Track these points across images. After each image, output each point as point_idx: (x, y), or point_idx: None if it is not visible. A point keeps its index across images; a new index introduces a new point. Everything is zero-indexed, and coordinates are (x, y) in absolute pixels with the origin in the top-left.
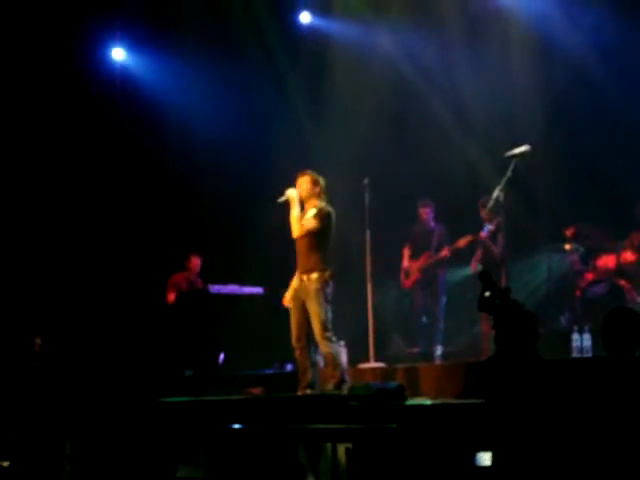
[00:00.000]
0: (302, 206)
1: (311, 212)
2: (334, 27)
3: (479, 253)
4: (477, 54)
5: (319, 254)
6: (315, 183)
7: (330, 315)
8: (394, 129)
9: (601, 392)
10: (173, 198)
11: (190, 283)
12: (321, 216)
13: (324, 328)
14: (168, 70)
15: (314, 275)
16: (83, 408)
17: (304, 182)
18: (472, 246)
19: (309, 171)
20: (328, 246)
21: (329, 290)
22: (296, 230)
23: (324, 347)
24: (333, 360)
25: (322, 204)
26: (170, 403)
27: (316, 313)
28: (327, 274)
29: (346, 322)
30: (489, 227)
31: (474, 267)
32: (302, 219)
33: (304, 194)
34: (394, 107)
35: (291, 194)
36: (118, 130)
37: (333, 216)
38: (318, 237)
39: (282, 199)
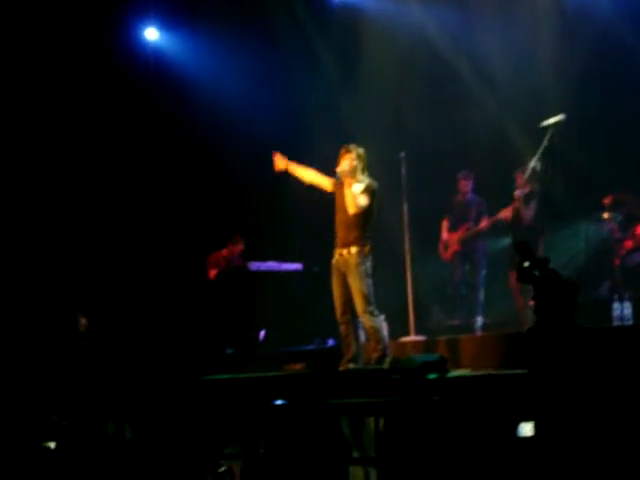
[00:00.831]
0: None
1: (357, 188)
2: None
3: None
4: (509, 22)
5: (361, 229)
6: (360, 158)
7: (372, 289)
8: (428, 100)
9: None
10: (210, 175)
11: (229, 262)
12: (370, 192)
13: (366, 302)
14: (200, 48)
15: (354, 249)
16: (127, 388)
17: (351, 157)
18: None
19: (353, 146)
20: (370, 221)
21: (368, 264)
22: (351, 208)
23: (367, 321)
24: (376, 334)
25: (368, 180)
26: (212, 381)
27: (358, 287)
28: (367, 248)
29: (386, 296)
30: (523, 190)
31: (485, 224)
32: (350, 194)
33: (348, 169)
34: (428, 79)
35: (344, 171)
36: (153, 109)
37: (377, 191)
38: (365, 213)
39: (338, 176)
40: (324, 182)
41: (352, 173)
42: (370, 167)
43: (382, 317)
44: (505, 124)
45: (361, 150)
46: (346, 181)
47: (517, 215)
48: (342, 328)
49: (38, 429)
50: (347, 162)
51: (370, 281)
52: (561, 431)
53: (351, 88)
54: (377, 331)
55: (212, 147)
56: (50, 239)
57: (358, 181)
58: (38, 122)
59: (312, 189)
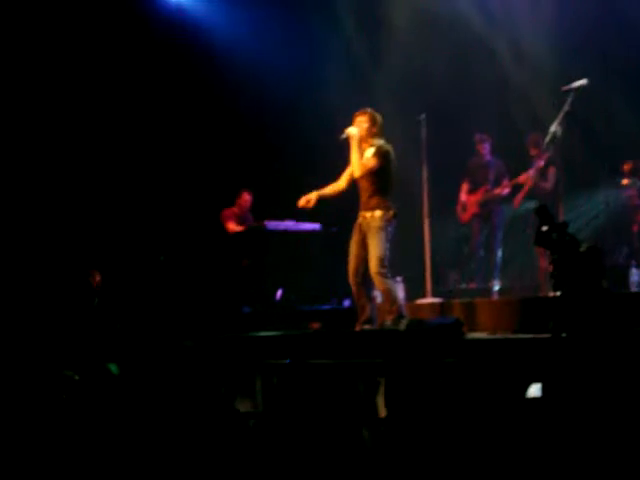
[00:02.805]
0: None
1: (370, 151)
2: None
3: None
4: None
5: (381, 193)
6: (373, 121)
7: (388, 253)
8: (451, 64)
9: None
10: (229, 133)
11: (240, 219)
12: (380, 154)
13: (380, 264)
14: (224, 6)
15: (377, 213)
16: (141, 344)
17: (363, 121)
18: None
19: (367, 109)
20: (390, 184)
21: (391, 229)
22: (357, 170)
23: (379, 283)
24: (389, 295)
25: (380, 142)
26: (228, 338)
27: (375, 249)
28: (391, 213)
29: (403, 258)
30: (537, 165)
31: (517, 203)
32: (361, 158)
33: (363, 133)
34: (451, 41)
35: (351, 132)
36: (170, 62)
37: (392, 153)
38: (379, 176)
39: (343, 136)
40: (348, 173)
41: (364, 136)
42: (392, 129)
43: (399, 279)
44: (528, 88)
45: (375, 114)
46: (355, 144)
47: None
48: (354, 289)
49: (51, 384)
50: (359, 125)
51: (389, 246)
52: (587, 394)
53: (372, 49)
54: (390, 292)
55: (230, 103)
56: (67, 194)
57: (371, 145)
58: (58, 75)
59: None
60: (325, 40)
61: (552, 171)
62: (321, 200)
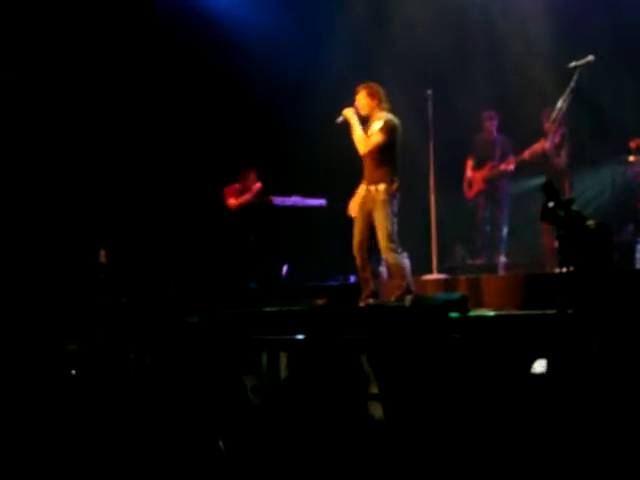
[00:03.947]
0: (366, 121)
1: (376, 125)
2: None
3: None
4: None
5: (387, 166)
6: (372, 95)
7: (396, 227)
8: (457, 39)
9: None
10: (240, 113)
11: (245, 194)
12: (387, 129)
13: (389, 239)
14: None
15: (382, 186)
16: (147, 319)
17: (361, 97)
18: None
19: (365, 84)
20: (395, 158)
21: (396, 202)
22: (362, 147)
23: (390, 258)
24: (400, 270)
25: (387, 116)
26: (234, 314)
27: (382, 224)
28: (394, 186)
29: (409, 233)
30: (553, 139)
31: (510, 163)
32: (368, 133)
33: (365, 110)
34: (457, 17)
35: (347, 113)
36: (178, 38)
37: (399, 127)
38: (385, 150)
39: (340, 120)
40: (360, 143)
41: (367, 111)
42: (398, 104)
43: (405, 254)
44: (534, 64)
45: (375, 86)
46: (353, 122)
47: (545, 158)
48: (358, 262)
49: (57, 358)
50: (360, 101)
51: (395, 219)
52: (592, 372)
53: (380, 24)
54: (401, 267)
55: (236, 80)
56: (74, 172)
57: (377, 119)
58: (71, 62)
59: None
60: (330, 17)
61: (566, 148)
62: (328, 175)
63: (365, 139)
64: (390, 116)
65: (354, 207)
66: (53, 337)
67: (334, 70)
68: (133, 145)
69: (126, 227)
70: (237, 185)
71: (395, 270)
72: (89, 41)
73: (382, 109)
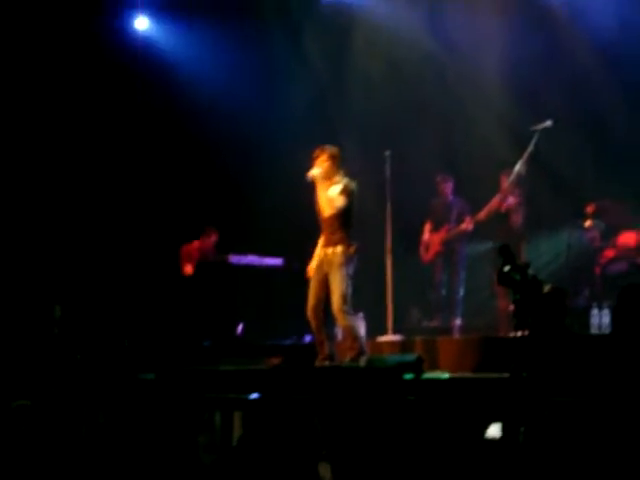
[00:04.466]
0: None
1: (335, 189)
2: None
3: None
4: (501, 27)
5: (344, 229)
6: (333, 158)
7: (350, 289)
8: (416, 101)
9: (616, 368)
10: (194, 168)
11: (202, 253)
12: (347, 192)
13: (343, 301)
14: (189, 39)
15: (339, 248)
16: (101, 375)
17: (322, 160)
18: (493, 219)
19: (327, 147)
20: (352, 219)
21: (352, 265)
22: (327, 210)
23: (342, 320)
24: (352, 332)
25: (345, 180)
26: (189, 371)
27: (337, 286)
28: (352, 249)
29: (365, 295)
30: (509, 201)
31: (468, 223)
32: (327, 196)
33: (323, 172)
34: (416, 79)
35: (315, 174)
36: (138, 97)
37: (356, 190)
38: (344, 213)
39: (309, 179)
40: (326, 206)
41: (327, 174)
42: (356, 165)
43: (360, 315)
44: (492, 127)
45: (334, 149)
46: (319, 183)
47: (501, 220)
48: (313, 324)
49: (7, 414)
50: (320, 164)
51: (350, 282)
52: (549, 434)
53: (339, 86)
54: (353, 329)
55: (195, 138)
56: (27, 228)
57: (335, 182)
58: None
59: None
60: (288, 77)
61: (523, 211)
62: (285, 235)
63: (330, 202)
64: (348, 179)
65: (312, 268)
66: (5, 392)
67: (291, 129)
68: (89, 201)
69: (82, 283)
70: (196, 243)
71: (347, 332)
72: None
73: (340, 173)
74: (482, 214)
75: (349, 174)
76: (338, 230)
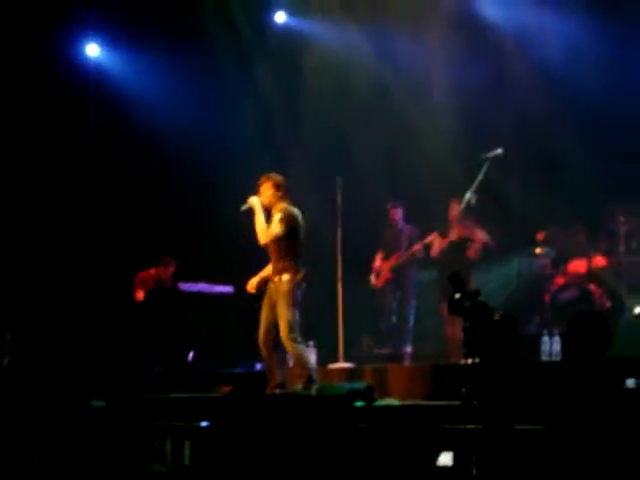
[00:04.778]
0: (269, 211)
1: (277, 216)
2: (309, 27)
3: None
4: (451, 53)
5: (289, 257)
6: (277, 187)
7: (297, 317)
8: (366, 127)
9: (567, 395)
10: (144, 195)
11: (158, 281)
12: (286, 220)
13: (290, 329)
14: (140, 66)
15: (285, 277)
16: (51, 405)
17: (266, 188)
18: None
19: (270, 175)
20: (298, 247)
21: (300, 292)
22: (262, 238)
23: (290, 347)
24: (300, 360)
25: (286, 207)
26: (140, 399)
27: (284, 314)
28: (299, 276)
29: (316, 322)
30: (459, 231)
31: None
32: (269, 223)
33: (268, 200)
34: (368, 107)
35: (253, 201)
36: (90, 124)
37: (299, 217)
38: (286, 241)
39: (244, 207)
40: (260, 234)
41: (270, 202)
42: (306, 191)
43: (311, 343)
44: (443, 154)
45: (279, 178)
46: (257, 211)
47: (451, 246)
48: (263, 352)
49: None
50: (264, 192)
51: (298, 309)
52: (500, 462)
53: (290, 111)
54: (301, 357)
55: (146, 166)
56: None
57: (278, 210)
58: None
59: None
60: (239, 101)
61: (476, 239)
62: (235, 263)
63: (265, 230)
64: (290, 208)
65: (252, 284)
66: None
67: (242, 153)
68: (43, 225)
69: (33, 310)
70: (152, 270)
71: (296, 359)
72: None
73: (284, 200)
74: (428, 239)
75: (294, 202)
76: (282, 258)
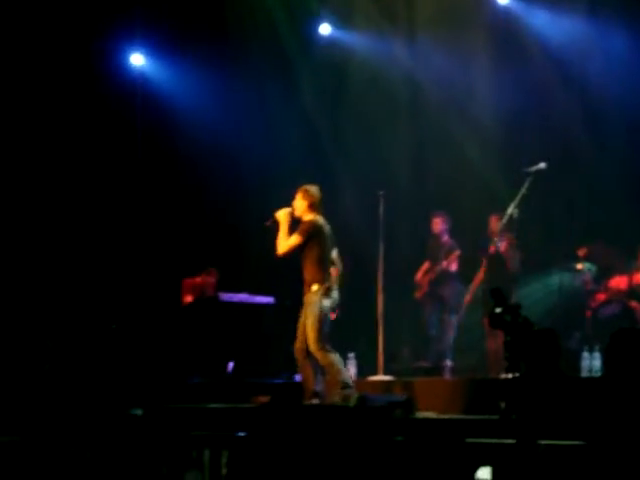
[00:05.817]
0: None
1: (298, 228)
2: (353, 39)
3: (481, 273)
4: (497, 68)
5: (314, 266)
6: (305, 197)
7: (325, 327)
8: (411, 141)
9: (607, 412)
10: (190, 203)
11: (203, 290)
12: (303, 230)
13: (315, 339)
14: (186, 76)
15: (314, 287)
16: (90, 412)
17: (297, 199)
18: (488, 261)
19: (305, 186)
20: (322, 257)
21: (326, 302)
22: (279, 248)
23: (319, 357)
24: (331, 369)
25: (309, 218)
26: (177, 409)
27: (310, 323)
28: (324, 286)
29: (356, 334)
30: (499, 243)
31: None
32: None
33: (297, 211)
34: (411, 119)
35: (280, 215)
36: (136, 134)
37: (320, 226)
38: (307, 250)
39: (269, 223)
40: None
41: (301, 213)
42: (350, 204)
43: (351, 355)
44: (487, 168)
45: (312, 189)
46: (282, 225)
47: (492, 261)
48: (298, 361)
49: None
50: (297, 203)
51: (325, 319)
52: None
53: (334, 124)
54: (332, 366)
55: (194, 176)
56: (19, 262)
57: (305, 221)
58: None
59: None
60: (285, 114)
61: (513, 253)
62: (277, 275)
63: (283, 241)
64: (315, 218)
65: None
66: None
67: (286, 166)
68: (85, 235)
69: (74, 318)
70: (198, 279)
71: (328, 368)
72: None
73: (313, 212)
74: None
75: (323, 214)
76: (308, 268)
